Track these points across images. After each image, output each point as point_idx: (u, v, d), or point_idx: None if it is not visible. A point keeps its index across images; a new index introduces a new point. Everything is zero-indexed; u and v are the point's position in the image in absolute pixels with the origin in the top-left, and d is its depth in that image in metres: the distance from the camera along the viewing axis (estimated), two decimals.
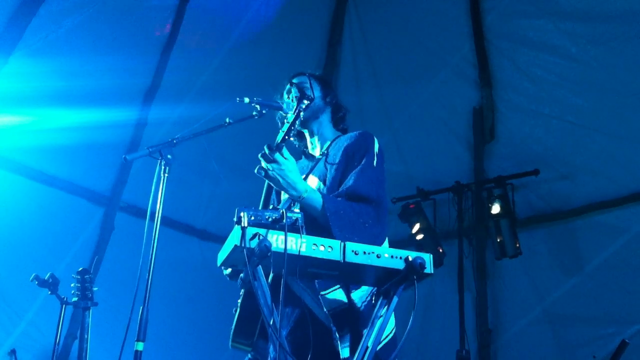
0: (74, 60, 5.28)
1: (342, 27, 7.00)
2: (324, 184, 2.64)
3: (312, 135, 2.91)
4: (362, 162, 2.62)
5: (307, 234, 2.29)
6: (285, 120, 2.42)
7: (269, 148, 2.37)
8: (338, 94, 3.05)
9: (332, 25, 7.02)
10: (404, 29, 6.70)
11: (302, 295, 2.43)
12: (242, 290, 2.59)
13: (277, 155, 2.36)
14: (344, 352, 2.31)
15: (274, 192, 2.88)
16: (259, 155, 2.41)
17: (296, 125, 2.43)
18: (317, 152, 2.88)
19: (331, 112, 2.93)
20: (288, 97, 2.91)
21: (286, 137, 2.38)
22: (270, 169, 2.38)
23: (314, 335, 2.29)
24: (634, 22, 5.22)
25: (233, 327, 2.56)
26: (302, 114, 2.41)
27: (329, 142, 2.84)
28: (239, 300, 2.62)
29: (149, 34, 5.92)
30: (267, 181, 2.57)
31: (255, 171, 2.44)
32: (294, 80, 2.95)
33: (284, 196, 2.79)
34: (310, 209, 2.43)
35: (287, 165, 2.39)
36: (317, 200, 2.42)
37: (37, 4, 4.98)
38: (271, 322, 2.08)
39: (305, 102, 2.40)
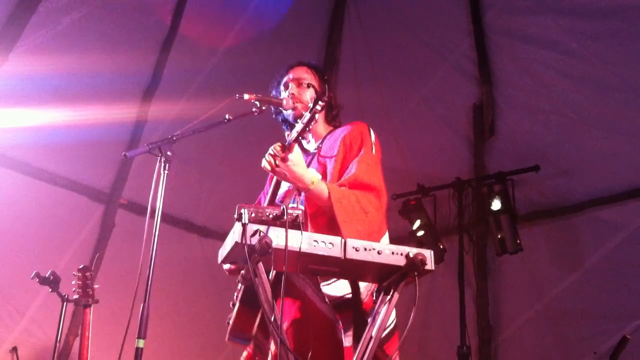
0: (74, 58, 5.27)
1: (341, 24, 6.99)
2: (323, 176, 2.65)
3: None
4: (362, 151, 2.67)
5: (310, 223, 2.30)
6: (300, 121, 2.42)
7: (282, 147, 2.42)
8: (336, 91, 3.05)
9: (332, 22, 7.00)
10: (403, 25, 6.68)
11: (303, 287, 2.44)
12: (240, 285, 2.60)
13: (290, 155, 2.41)
14: (347, 341, 2.33)
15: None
16: (269, 153, 2.44)
17: (310, 126, 2.43)
18: (311, 147, 2.90)
19: (326, 110, 2.93)
20: (285, 90, 2.91)
21: (300, 138, 2.43)
22: (278, 165, 2.42)
23: (314, 327, 2.30)
24: (634, 18, 5.20)
25: (231, 321, 2.57)
26: (316, 115, 2.42)
27: (322, 138, 2.87)
28: (236, 294, 2.63)
29: (148, 31, 5.91)
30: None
31: (262, 165, 2.48)
32: (294, 75, 2.94)
33: (282, 189, 2.80)
34: (316, 198, 2.48)
35: (294, 160, 2.43)
36: (324, 190, 2.45)
37: (36, 1, 4.97)
38: (272, 319, 2.08)
39: (321, 103, 2.41)
